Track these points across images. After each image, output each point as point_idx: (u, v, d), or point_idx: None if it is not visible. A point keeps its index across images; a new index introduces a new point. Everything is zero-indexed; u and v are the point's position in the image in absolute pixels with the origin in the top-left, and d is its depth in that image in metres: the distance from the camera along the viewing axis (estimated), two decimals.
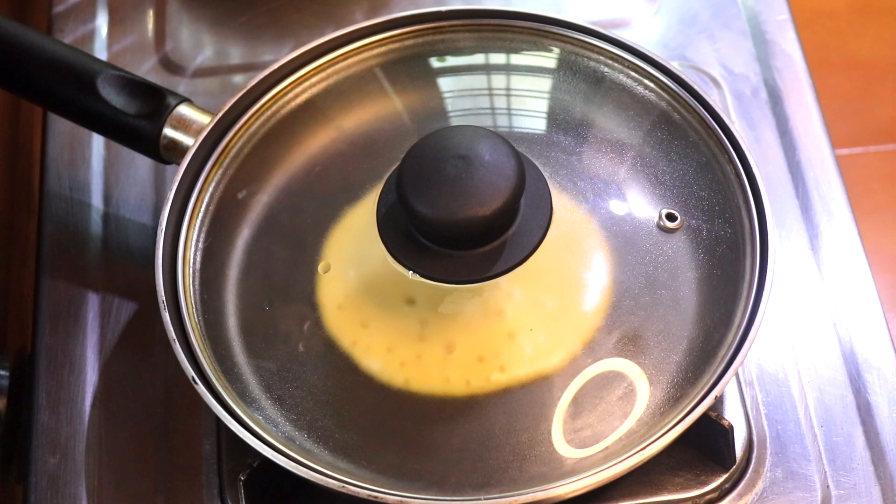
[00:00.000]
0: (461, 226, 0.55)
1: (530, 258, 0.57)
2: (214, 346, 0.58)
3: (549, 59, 0.65)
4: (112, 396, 0.64)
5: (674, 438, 0.54)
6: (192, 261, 0.60)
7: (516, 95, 0.65)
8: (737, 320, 0.56)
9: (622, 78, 0.64)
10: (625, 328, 0.57)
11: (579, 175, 0.61)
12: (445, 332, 0.57)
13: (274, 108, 0.64)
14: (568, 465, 0.55)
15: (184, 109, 0.63)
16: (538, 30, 0.65)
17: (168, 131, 0.63)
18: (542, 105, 0.65)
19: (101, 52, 0.76)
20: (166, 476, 0.61)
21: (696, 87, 0.62)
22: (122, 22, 0.77)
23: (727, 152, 0.60)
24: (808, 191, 0.68)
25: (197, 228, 0.61)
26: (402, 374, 0.57)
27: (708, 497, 0.60)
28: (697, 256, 0.59)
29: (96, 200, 0.70)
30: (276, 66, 0.64)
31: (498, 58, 0.66)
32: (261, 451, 0.55)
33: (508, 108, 0.65)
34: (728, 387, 0.62)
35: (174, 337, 0.57)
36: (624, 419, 0.56)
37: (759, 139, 0.70)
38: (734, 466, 0.60)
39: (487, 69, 0.66)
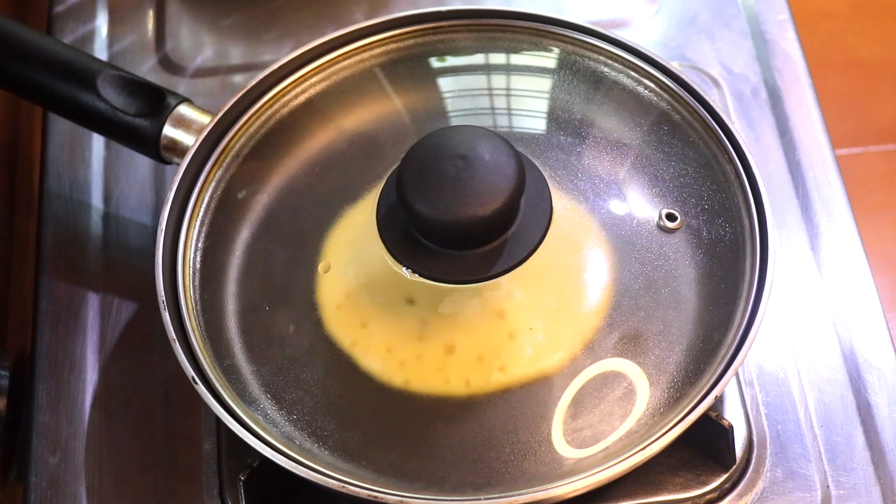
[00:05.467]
0: (461, 226, 0.55)
1: (530, 258, 0.57)
2: (214, 346, 0.58)
3: (549, 59, 0.65)
4: (112, 396, 0.64)
5: (674, 438, 0.54)
6: (192, 261, 0.60)
7: (516, 95, 0.65)
8: (737, 320, 0.56)
9: (622, 78, 0.64)
10: (625, 328, 0.57)
11: (579, 175, 0.61)
12: (445, 332, 0.57)
13: (274, 108, 0.64)
14: (568, 465, 0.55)
15: (184, 109, 0.63)
16: (538, 30, 0.65)
17: (168, 131, 0.63)
18: (542, 105, 0.65)
19: (101, 52, 0.76)
20: (166, 476, 0.61)
21: (696, 87, 0.62)
22: (122, 22, 0.77)
23: (727, 152, 0.60)
24: (808, 191, 0.68)
25: (197, 228, 0.61)
26: (402, 374, 0.57)
27: (708, 497, 0.60)
28: (697, 256, 0.59)
29: (96, 200, 0.70)
30: (276, 66, 0.64)
31: (498, 58, 0.66)
32: (261, 451, 0.55)
33: (508, 108, 0.65)
34: (728, 387, 0.62)
35: (174, 337, 0.57)
36: (624, 419, 0.56)
37: (759, 139, 0.70)
38: (734, 466, 0.60)
39: (487, 69, 0.66)
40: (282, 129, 0.64)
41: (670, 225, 0.59)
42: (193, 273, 0.60)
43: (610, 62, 0.64)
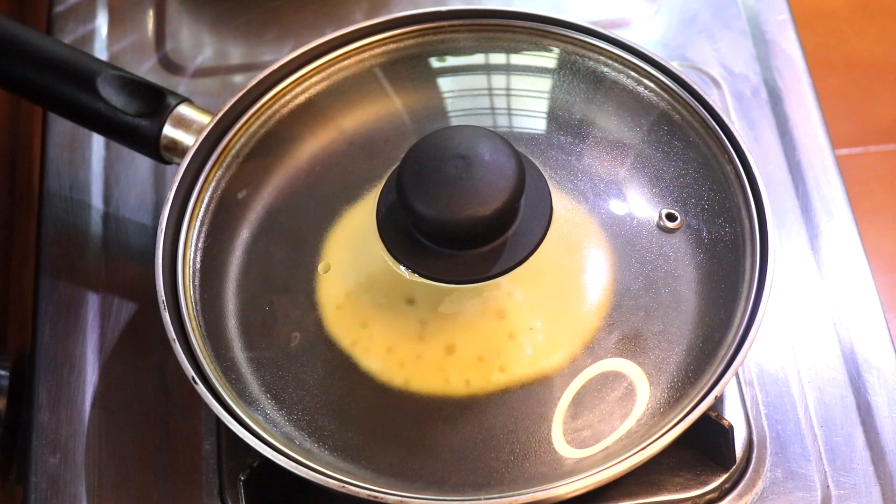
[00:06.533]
0: (461, 226, 0.55)
1: (530, 258, 0.57)
2: (214, 346, 0.58)
3: (549, 59, 0.65)
4: (112, 396, 0.64)
5: (674, 438, 0.54)
6: (192, 261, 0.60)
7: (516, 95, 0.65)
8: (737, 320, 0.56)
9: (622, 78, 0.64)
10: (625, 328, 0.57)
11: (579, 175, 0.61)
12: (445, 332, 0.57)
13: (274, 108, 0.64)
14: (568, 465, 0.55)
15: (184, 109, 0.63)
16: (538, 30, 0.65)
17: (168, 131, 0.63)
18: (542, 105, 0.65)
19: (101, 52, 0.76)
20: (166, 476, 0.61)
21: (696, 87, 0.62)
22: (122, 22, 0.77)
23: (727, 152, 0.60)
24: (808, 191, 0.68)
25: (197, 228, 0.61)
26: (402, 374, 0.57)
27: (708, 497, 0.60)
28: (697, 256, 0.59)
29: (96, 200, 0.70)
30: (276, 66, 0.64)
31: (498, 58, 0.66)
32: (261, 451, 0.55)
33: (508, 108, 0.65)
34: (728, 387, 0.62)
35: (174, 337, 0.57)
36: (624, 419, 0.56)
37: (759, 139, 0.70)
38: (734, 466, 0.60)
39: (487, 69, 0.66)
40: (282, 129, 0.64)
41: (670, 225, 0.59)
42: (193, 273, 0.60)
43: (610, 62, 0.64)
